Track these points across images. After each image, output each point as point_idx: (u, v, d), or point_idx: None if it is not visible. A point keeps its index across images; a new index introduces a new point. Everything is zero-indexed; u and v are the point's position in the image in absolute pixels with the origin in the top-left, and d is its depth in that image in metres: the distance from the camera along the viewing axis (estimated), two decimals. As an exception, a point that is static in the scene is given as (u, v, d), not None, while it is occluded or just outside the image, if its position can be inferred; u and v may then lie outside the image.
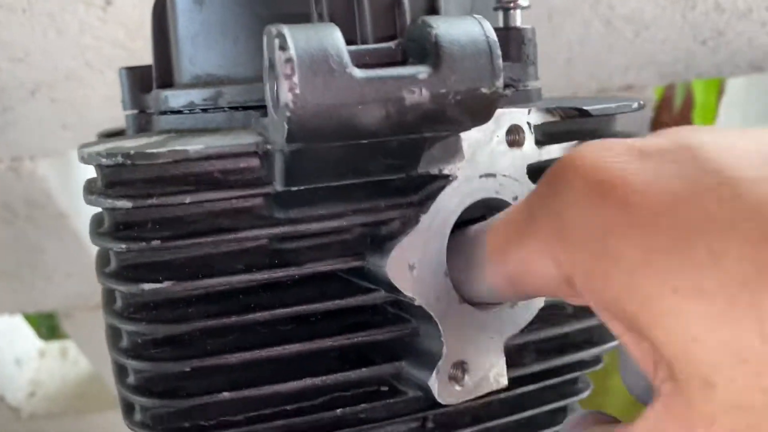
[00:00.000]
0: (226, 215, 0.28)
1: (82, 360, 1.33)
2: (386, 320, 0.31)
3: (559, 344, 0.34)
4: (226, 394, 0.29)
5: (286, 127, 0.23)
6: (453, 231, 0.29)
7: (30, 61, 0.76)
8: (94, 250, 0.96)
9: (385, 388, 0.31)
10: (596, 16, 0.72)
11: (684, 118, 1.53)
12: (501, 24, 0.33)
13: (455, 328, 0.29)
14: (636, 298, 0.18)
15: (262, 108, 0.30)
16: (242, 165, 0.28)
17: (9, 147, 0.83)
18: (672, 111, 1.56)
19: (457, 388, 0.29)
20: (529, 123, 0.31)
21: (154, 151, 0.26)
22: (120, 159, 0.26)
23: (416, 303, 0.28)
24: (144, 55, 0.79)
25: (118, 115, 0.83)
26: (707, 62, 0.79)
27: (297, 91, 0.22)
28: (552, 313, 0.34)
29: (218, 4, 0.31)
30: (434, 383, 0.29)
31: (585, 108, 0.32)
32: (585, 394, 0.37)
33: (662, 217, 0.18)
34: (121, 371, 0.31)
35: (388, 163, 0.27)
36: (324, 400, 0.30)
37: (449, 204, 0.29)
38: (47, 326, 1.45)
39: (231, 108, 0.31)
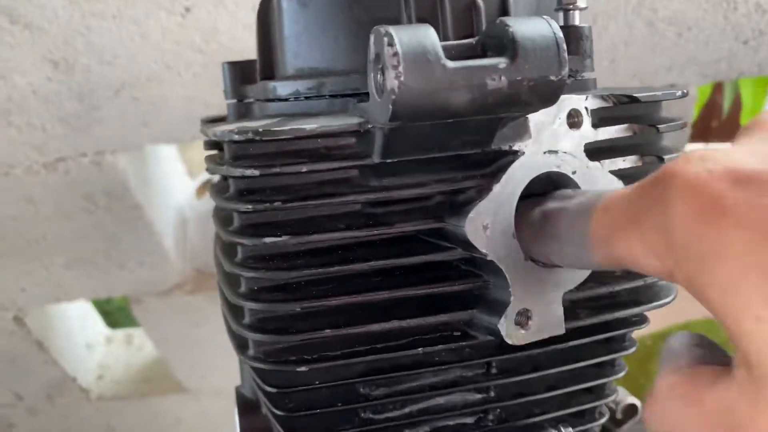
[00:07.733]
0: (330, 183, 0.34)
1: (146, 346, 1.42)
2: (460, 275, 0.36)
3: (609, 302, 0.39)
4: (328, 332, 0.34)
5: (390, 108, 0.29)
6: (521, 199, 0.34)
7: (117, 63, 0.83)
8: (165, 239, 1.03)
9: (458, 333, 0.37)
10: (639, 18, 0.77)
11: (732, 121, 1.54)
12: (561, 23, 0.38)
13: (520, 281, 0.34)
14: (730, 311, 0.22)
15: (357, 95, 0.36)
16: (344, 142, 0.34)
17: (93, 142, 0.91)
18: (720, 114, 1.58)
19: (522, 331, 0.35)
20: (586, 108, 0.36)
21: (279, 128, 0.32)
22: (251, 135, 0.32)
23: (488, 258, 0.34)
24: (217, 57, 0.85)
25: (192, 113, 0.89)
26: (749, 61, 0.82)
27: (402, 78, 0.28)
28: (603, 274, 0.39)
29: (321, 7, 0.37)
30: (503, 327, 0.34)
31: (635, 95, 0.37)
32: (630, 351, 0.42)
33: (752, 256, 0.21)
34: (236, 313, 0.37)
35: (466, 140, 0.33)
36: (407, 341, 0.36)
37: (517, 175, 0.34)
38: (105, 316, 1.53)
39: (331, 96, 0.37)
